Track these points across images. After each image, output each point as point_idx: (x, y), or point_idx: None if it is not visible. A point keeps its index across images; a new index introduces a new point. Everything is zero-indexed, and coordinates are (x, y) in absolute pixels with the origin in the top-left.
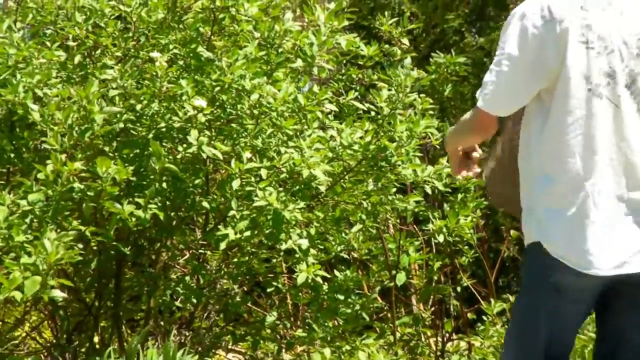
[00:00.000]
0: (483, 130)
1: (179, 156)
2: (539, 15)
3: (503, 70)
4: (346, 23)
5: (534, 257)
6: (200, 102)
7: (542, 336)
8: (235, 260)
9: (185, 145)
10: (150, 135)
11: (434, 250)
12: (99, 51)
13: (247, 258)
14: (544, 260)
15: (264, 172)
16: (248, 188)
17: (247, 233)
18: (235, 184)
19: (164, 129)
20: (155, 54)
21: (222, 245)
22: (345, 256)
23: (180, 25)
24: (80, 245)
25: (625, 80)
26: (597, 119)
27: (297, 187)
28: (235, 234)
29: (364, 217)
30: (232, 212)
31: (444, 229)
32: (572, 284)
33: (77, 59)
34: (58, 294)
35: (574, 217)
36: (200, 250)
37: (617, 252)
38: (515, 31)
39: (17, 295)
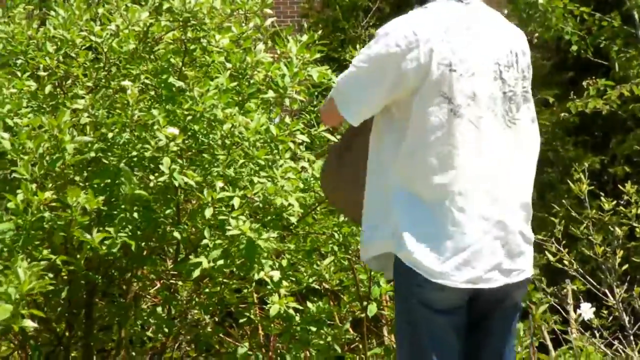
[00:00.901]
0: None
1: (150, 184)
2: (403, 35)
3: (358, 70)
4: (318, 55)
5: (397, 270)
6: (173, 130)
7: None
8: (207, 290)
9: (157, 174)
10: (122, 165)
11: None
12: (69, 81)
13: (218, 288)
14: (405, 271)
15: (236, 202)
16: (220, 217)
17: (220, 262)
18: (208, 212)
19: (135, 158)
20: (126, 83)
21: (195, 274)
22: (317, 287)
23: (152, 56)
24: (51, 275)
25: (487, 102)
26: (457, 139)
27: (269, 217)
28: (209, 262)
29: (335, 248)
30: (205, 241)
31: None
32: (434, 296)
33: (48, 88)
34: (29, 324)
35: (436, 233)
36: (171, 281)
37: (473, 268)
38: (377, 45)
39: None
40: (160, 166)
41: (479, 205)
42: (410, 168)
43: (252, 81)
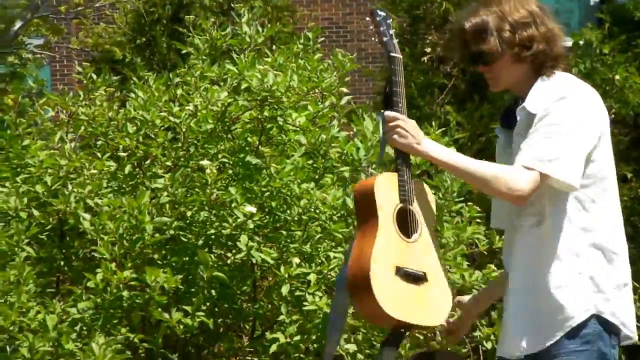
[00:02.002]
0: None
1: (228, 262)
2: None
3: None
4: None
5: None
6: (250, 208)
7: None
8: None
9: (234, 251)
10: (200, 243)
11: (481, 358)
12: (148, 161)
13: None
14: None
15: (312, 277)
16: (297, 293)
17: (297, 337)
18: (285, 289)
19: (213, 236)
20: (205, 162)
21: (272, 349)
22: None
23: (229, 135)
24: (129, 353)
25: None
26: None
27: None
28: (285, 338)
29: None
30: (281, 317)
31: (492, 337)
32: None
33: (128, 169)
34: None
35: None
36: (247, 358)
37: None
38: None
39: None
40: (237, 243)
41: None
42: (607, 226)
43: (327, 157)
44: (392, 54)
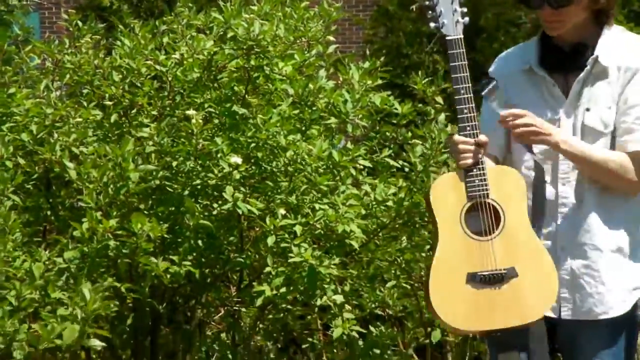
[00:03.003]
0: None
1: (214, 212)
2: None
3: None
4: (380, 82)
5: None
6: (236, 159)
7: None
8: (270, 317)
9: (220, 202)
10: (186, 193)
11: None
12: (134, 110)
13: (282, 315)
14: None
15: (298, 229)
16: (283, 244)
17: (283, 289)
18: (270, 240)
19: (199, 187)
20: (190, 112)
21: (259, 302)
22: (380, 313)
23: (215, 84)
24: (116, 302)
25: None
26: None
27: (331, 244)
28: (272, 290)
29: (398, 273)
30: (267, 269)
31: None
32: None
33: (114, 117)
34: (96, 343)
35: None
36: (235, 307)
37: None
38: None
39: (58, 342)
40: (223, 194)
41: None
42: None
43: (314, 108)
44: (447, 37)
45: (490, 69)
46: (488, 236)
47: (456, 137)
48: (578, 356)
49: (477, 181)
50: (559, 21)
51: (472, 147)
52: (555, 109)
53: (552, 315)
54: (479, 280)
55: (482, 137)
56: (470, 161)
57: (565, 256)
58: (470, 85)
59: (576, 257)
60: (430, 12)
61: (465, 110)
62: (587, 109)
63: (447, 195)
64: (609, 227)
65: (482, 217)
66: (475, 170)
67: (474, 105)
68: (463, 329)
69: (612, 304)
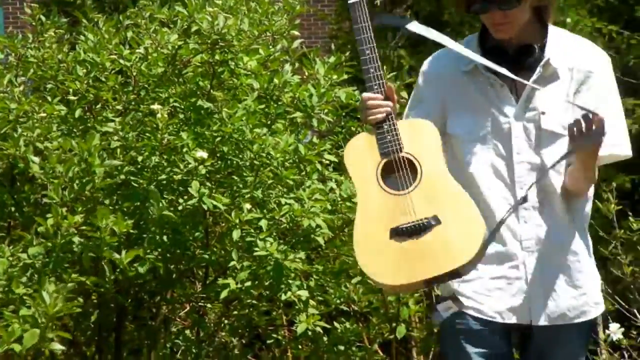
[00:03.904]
0: None
1: (179, 208)
2: None
3: None
4: (345, 76)
5: None
6: (202, 153)
7: None
8: (235, 312)
9: (186, 197)
10: (151, 187)
11: (434, 302)
12: (99, 105)
13: (247, 311)
14: None
15: (264, 223)
16: (248, 239)
17: (248, 283)
18: (236, 234)
19: (164, 182)
20: (155, 106)
21: (223, 294)
22: (346, 309)
23: (180, 79)
24: (80, 299)
25: None
26: None
27: (297, 239)
28: (237, 284)
29: None
30: (232, 263)
31: None
32: None
33: (78, 112)
34: (57, 347)
35: None
36: (200, 303)
37: None
38: None
39: (17, 347)
40: (189, 189)
41: None
42: None
43: (279, 102)
44: (349, 2)
45: (424, 68)
46: (406, 190)
47: (364, 94)
48: None
49: (388, 137)
50: (508, 23)
51: (381, 102)
52: (503, 111)
53: (523, 322)
54: (402, 233)
55: (389, 87)
56: (380, 116)
57: (534, 260)
58: (374, 45)
59: (547, 260)
60: None
61: (372, 70)
62: (543, 112)
63: (362, 155)
64: (576, 229)
65: (397, 171)
66: (385, 125)
67: (379, 64)
68: (394, 284)
69: (588, 307)
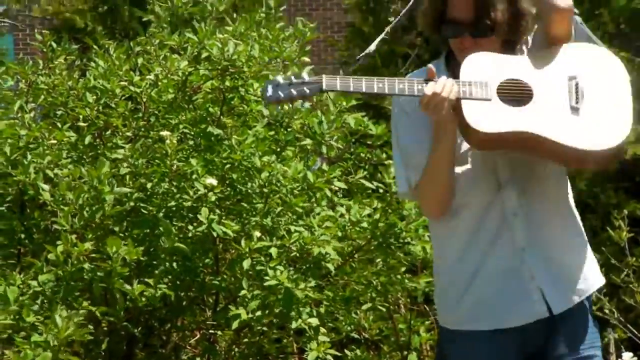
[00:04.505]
0: None
1: (189, 235)
2: None
3: None
4: (355, 102)
5: None
6: (211, 180)
7: None
8: (246, 340)
9: (195, 224)
10: (161, 214)
11: None
12: (109, 131)
13: (257, 338)
14: None
15: (274, 251)
16: (258, 267)
17: (259, 313)
18: (246, 263)
19: (174, 208)
20: (164, 133)
21: (234, 325)
22: (356, 336)
23: (190, 106)
24: (91, 326)
25: None
26: None
27: (307, 266)
28: (247, 313)
29: (374, 295)
30: (243, 292)
31: None
32: None
33: (88, 139)
34: None
35: None
36: (210, 331)
37: None
38: None
39: None
40: (198, 216)
41: None
42: None
43: (289, 129)
44: (324, 88)
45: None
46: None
47: (424, 93)
48: (575, 344)
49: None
50: (476, 50)
51: (439, 85)
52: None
53: (543, 316)
54: None
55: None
56: (455, 91)
57: (534, 252)
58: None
59: (546, 251)
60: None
61: (399, 86)
62: None
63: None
64: (564, 208)
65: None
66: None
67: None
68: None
69: (592, 278)
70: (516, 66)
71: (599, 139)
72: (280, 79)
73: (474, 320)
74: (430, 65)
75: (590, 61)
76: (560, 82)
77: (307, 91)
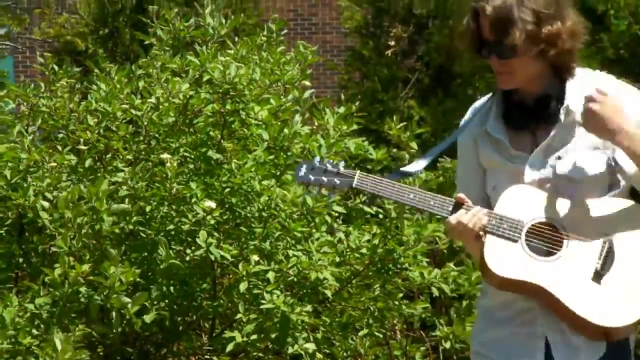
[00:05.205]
0: None
1: (187, 258)
2: None
3: None
4: (355, 127)
5: None
6: (210, 203)
7: None
8: None
9: (193, 248)
10: (159, 237)
11: (441, 357)
12: (109, 155)
13: None
14: None
15: (271, 276)
16: (255, 291)
17: (254, 336)
18: (243, 286)
19: (172, 232)
20: (164, 156)
21: (229, 348)
22: None
23: (191, 129)
24: (87, 352)
25: None
26: None
27: (304, 291)
28: (243, 337)
29: (371, 321)
30: (239, 316)
31: (451, 336)
32: None
33: (88, 162)
34: None
35: None
36: (206, 356)
37: None
38: None
39: None
40: (197, 240)
41: None
42: None
43: (289, 153)
44: (354, 185)
45: (466, 119)
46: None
47: (449, 221)
48: None
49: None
50: (507, 73)
51: (468, 215)
52: (518, 165)
53: None
54: None
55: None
56: (483, 222)
57: None
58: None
59: None
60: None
61: (425, 200)
62: (559, 157)
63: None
64: None
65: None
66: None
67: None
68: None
69: None
70: (556, 208)
71: (610, 316)
72: (317, 161)
73: None
74: (460, 195)
75: (634, 224)
76: (593, 240)
77: (338, 182)
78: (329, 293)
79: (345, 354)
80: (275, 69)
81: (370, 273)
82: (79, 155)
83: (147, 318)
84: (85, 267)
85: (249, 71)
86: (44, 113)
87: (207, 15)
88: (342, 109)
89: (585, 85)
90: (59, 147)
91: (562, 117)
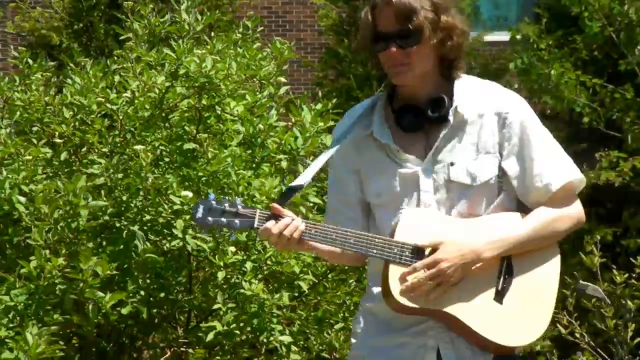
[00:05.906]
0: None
1: (164, 248)
2: None
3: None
4: (332, 123)
5: None
6: (187, 193)
7: None
8: (218, 358)
9: (169, 239)
10: (136, 228)
11: None
12: (85, 148)
13: (228, 356)
14: None
15: (249, 265)
16: (233, 280)
17: (234, 325)
18: (221, 275)
19: (149, 223)
20: (138, 147)
21: (210, 337)
22: (327, 356)
23: (166, 123)
24: (62, 342)
25: None
26: None
27: (281, 284)
28: (223, 326)
29: (346, 315)
30: (217, 306)
31: None
32: None
33: (64, 155)
34: None
35: None
36: (182, 349)
37: None
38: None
39: None
40: (174, 230)
41: None
42: None
43: (265, 146)
44: (255, 226)
45: (345, 125)
46: None
47: (260, 232)
48: None
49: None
50: (407, 64)
51: (281, 224)
52: (410, 168)
53: None
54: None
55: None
56: (297, 234)
57: None
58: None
59: None
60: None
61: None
62: (452, 164)
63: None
64: None
65: None
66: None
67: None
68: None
69: None
70: (452, 227)
71: (511, 336)
72: (213, 201)
73: None
74: (274, 204)
75: None
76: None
77: (237, 223)
78: (304, 286)
79: (320, 347)
80: (252, 64)
81: (346, 267)
82: (54, 149)
83: (124, 310)
84: (61, 261)
85: (225, 65)
86: (19, 107)
87: (183, 11)
88: (319, 106)
89: (473, 87)
90: (34, 140)
91: (451, 118)
